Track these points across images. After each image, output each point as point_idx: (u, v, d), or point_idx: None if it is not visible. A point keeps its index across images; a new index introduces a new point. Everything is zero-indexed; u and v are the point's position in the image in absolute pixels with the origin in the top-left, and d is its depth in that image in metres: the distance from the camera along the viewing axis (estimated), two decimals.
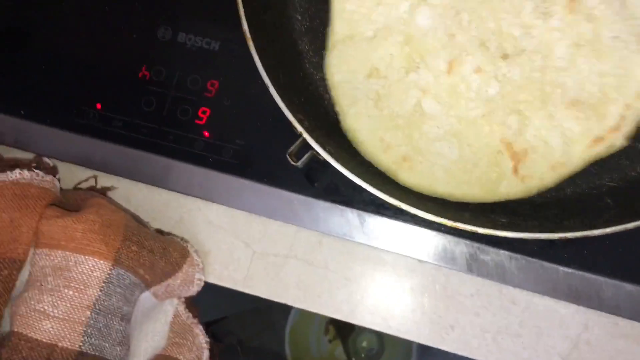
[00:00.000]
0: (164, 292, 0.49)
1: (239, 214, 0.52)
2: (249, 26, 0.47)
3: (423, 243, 0.50)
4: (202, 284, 0.50)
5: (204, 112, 0.54)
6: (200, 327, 0.52)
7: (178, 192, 0.53)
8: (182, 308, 0.52)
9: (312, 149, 0.45)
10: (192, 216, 0.53)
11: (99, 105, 0.55)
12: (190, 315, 0.52)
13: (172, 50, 0.55)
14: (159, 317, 0.50)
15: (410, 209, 0.44)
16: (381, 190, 0.44)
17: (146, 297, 0.48)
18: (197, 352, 0.51)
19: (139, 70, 0.55)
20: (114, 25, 0.56)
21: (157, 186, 0.53)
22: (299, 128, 0.45)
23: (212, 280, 0.51)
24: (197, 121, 0.54)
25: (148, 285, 0.46)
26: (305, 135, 0.45)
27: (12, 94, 0.56)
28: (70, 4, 0.57)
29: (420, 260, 0.50)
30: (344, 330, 1.11)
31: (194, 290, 0.50)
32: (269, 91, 0.54)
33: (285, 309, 1.01)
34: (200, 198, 0.53)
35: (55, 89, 0.55)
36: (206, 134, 0.53)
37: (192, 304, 0.53)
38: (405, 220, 0.50)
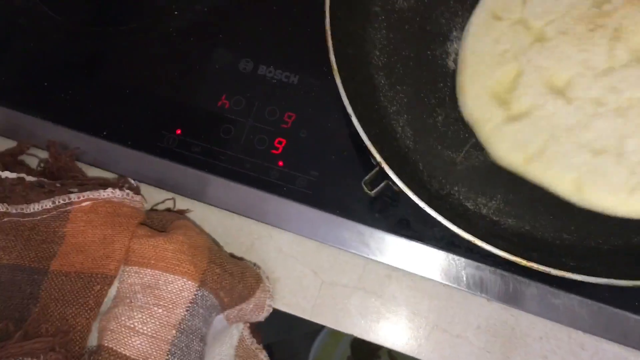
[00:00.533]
0: (236, 315, 0.50)
1: (309, 243, 0.54)
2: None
3: (493, 282, 0.50)
4: (271, 310, 0.51)
5: (280, 143, 0.56)
6: (265, 353, 0.53)
7: (251, 218, 0.54)
8: (247, 333, 0.53)
9: (388, 178, 0.47)
10: (263, 243, 0.54)
11: (178, 131, 0.57)
12: (255, 340, 0.53)
13: (252, 81, 0.58)
14: (225, 341, 0.51)
15: (482, 243, 0.44)
16: (454, 223, 0.45)
17: (218, 320, 0.49)
18: None
19: (219, 99, 0.57)
20: (198, 55, 0.59)
21: (231, 211, 0.55)
22: (378, 157, 0.46)
23: (281, 307, 0.52)
24: (273, 151, 0.55)
25: (224, 308, 0.47)
26: (384, 165, 0.46)
27: (96, 116, 0.58)
28: (157, 34, 0.60)
29: (489, 300, 0.50)
30: None
31: (263, 316, 0.51)
32: (343, 125, 0.56)
33: (306, 344, 1.01)
34: (272, 225, 0.54)
35: (138, 113, 0.58)
36: (281, 163, 0.55)
37: (255, 329, 0.54)
38: (475, 259, 0.51)
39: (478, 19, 0.54)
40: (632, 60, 0.49)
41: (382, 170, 0.47)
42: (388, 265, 0.52)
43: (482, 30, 0.53)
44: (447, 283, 0.51)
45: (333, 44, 0.49)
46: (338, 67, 0.49)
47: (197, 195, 0.55)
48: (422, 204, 0.45)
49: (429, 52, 0.56)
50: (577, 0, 0.52)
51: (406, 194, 0.46)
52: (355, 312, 0.52)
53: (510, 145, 0.50)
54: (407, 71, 0.56)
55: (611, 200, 0.48)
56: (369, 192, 0.48)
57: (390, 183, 0.47)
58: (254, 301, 0.49)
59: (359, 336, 0.51)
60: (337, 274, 0.53)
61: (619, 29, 0.50)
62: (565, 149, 0.49)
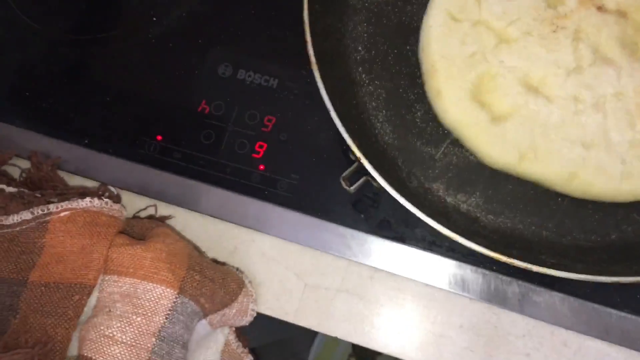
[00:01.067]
0: (219, 320, 0.50)
1: (291, 247, 0.54)
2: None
3: (475, 281, 0.50)
4: (255, 314, 0.52)
5: (260, 147, 0.56)
6: (250, 356, 0.53)
7: (233, 223, 0.54)
8: (232, 337, 0.53)
9: (367, 174, 0.46)
10: (246, 247, 0.54)
11: (159, 137, 0.57)
12: (240, 344, 0.53)
13: (231, 86, 0.58)
14: (210, 345, 0.51)
15: (462, 239, 0.44)
16: (433, 219, 0.45)
17: (201, 325, 0.49)
18: None
19: (199, 105, 0.57)
20: (177, 61, 0.59)
21: (213, 216, 0.55)
22: (357, 152, 0.46)
23: (265, 311, 0.52)
24: (253, 155, 0.55)
25: (206, 314, 0.47)
26: (363, 160, 0.46)
27: (77, 124, 0.58)
28: (136, 41, 0.60)
29: (471, 299, 0.50)
30: None
31: (247, 320, 0.51)
32: (324, 127, 0.56)
33: (307, 343, 1.01)
34: (254, 229, 0.54)
35: (118, 120, 0.58)
36: (262, 167, 0.55)
37: (241, 333, 0.54)
38: (457, 258, 0.51)
39: (436, 21, 0.54)
40: (596, 59, 0.50)
41: (360, 166, 0.47)
42: (370, 266, 0.52)
43: (444, 32, 0.53)
44: (429, 283, 0.51)
45: (312, 38, 0.49)
46: (317, 62, 0.49)
47: (179, 201, 0.55)
48: (401, 199, 0.45)
49: (408, 47, 0.56)
50: (531, 0, 0.52)
51: (386, 194, 0.46)
52: (339, 314, 0.52)
53: (502, 145, 0.50)
54: (386, 66, 0.56)
55: (607, 188, 0.49)
56: (347, 188, 0.48)
57: (369, 179, 0.47)
58: (237, 306, 0.49)
59: (343, 338, 0.52)
60: (320, 276, 0.53)
61: (578, 30, 0.51)
62: (558, 145, 0.49)
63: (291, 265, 0.53)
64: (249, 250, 0.54)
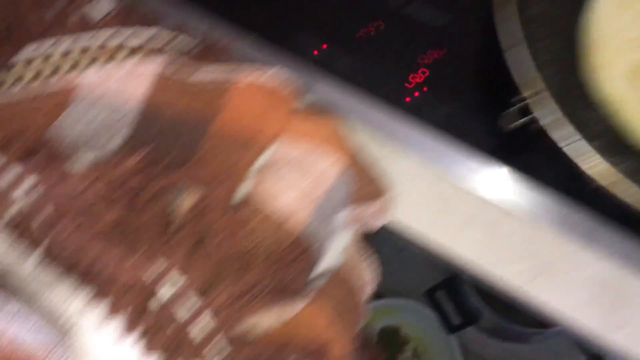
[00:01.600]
0: (355, 216, 0.51)
1: (433, 170, 0.55)
2: None
3: (613, 240, 0.51)
4: (389, 219, 0.53)
5: (423, 72, 0.58)
6: (369, 260, 0.55)
7: (380, 135, 0.57)
8: (357, 239, 0.55)
9: (531, 114, 0.48)
10: (390, 159, 0.56)
11: (325, 45, 0.60)
12: (363, 248, 0.55)
13: (401, 15, 0.60)
14: (337, 239, 0.53)
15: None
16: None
17: (339, 215, 0.51)
18: (363, 283, 0.54)
19: (367, 26, 0.60)
20: None
21: (363, 125, 0.57)
22: (538, 87, 0.48)
23: (400, 218, 0.54)
24: (415, 79, 0.58)
25: (352, 201, 0.50)
26: (541, 95, 0.48)
27: (247, 18, 0.62)
28: None
29: (605, 256, 0.51)
30: None
31: (378, 224, 0.53)
32: (489, 67, 0.57)
33: None
34: (401, 147, 0.56)
35: (289, 22, 0.62)
36: (425, 89, 0.57)
37: (365, 238, 0.56)
38: (597, 212, 0.52)
39: (604, 6, 0.56)
40: None
41: (525, 106, 0.48)
42: (507, 206, 0.53)
43: (608, 14, 0.56)
44: (564, 232, 0.52)
45: None
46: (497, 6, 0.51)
47: (334, 105, 0.58)
48: (576, 137, 0.46)
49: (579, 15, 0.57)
50: None
51: (545, 137, 0.47)
52: (468, 241, 0.53)
53: None
54: (557, 30, 0.57)
55: None
56: (506, 126, 0.50)
57: (531, 120, 0.49)
58: (377, 205, 0.51)
59: (470, 263, 0.53)
60: (456, 204, 0.54)
61: None
62: None
63: (430, 187, 0.55)
64: (393, 164, 0.56)
